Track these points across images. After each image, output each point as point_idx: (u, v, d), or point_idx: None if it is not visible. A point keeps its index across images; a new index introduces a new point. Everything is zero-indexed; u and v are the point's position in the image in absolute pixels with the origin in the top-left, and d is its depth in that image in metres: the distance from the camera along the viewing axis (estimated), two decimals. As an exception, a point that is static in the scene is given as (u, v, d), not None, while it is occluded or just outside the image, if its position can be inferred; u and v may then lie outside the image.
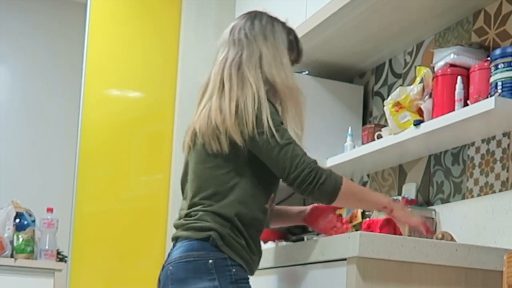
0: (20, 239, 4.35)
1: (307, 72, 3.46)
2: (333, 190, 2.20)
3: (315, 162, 2.21)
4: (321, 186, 2.18)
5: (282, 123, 2.25)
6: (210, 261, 2.17)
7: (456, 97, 2.59)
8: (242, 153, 2.25)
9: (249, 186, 2.25)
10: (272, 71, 2.31)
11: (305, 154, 2.21)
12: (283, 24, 2.43)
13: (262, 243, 3.12)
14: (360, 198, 2.30)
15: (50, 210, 4.47)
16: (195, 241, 2.21)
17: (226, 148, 2.23)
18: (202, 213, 2.24)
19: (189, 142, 2.35)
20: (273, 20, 2.41)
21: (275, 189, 2.33)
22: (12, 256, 4.33)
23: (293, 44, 2.43)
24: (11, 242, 4.35)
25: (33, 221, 4.46)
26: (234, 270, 2.18)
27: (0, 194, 4.83)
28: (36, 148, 5.18)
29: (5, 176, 5.07)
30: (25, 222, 4.42)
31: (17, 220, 4.40)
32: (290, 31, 2.44)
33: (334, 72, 3.54)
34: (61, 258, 4.47)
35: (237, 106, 2.23)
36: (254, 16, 2.41)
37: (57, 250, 4.46)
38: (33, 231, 4.42)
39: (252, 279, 2.61)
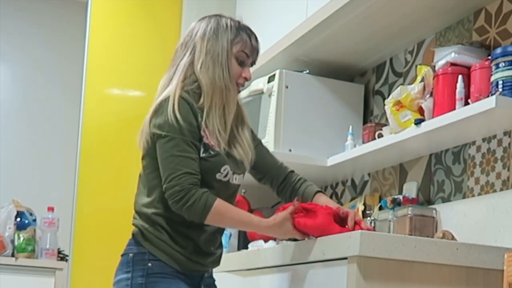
0: (21, 238, 4.36)
1: (307, 71, 3.45)
2: (201, 213, 2.22)
3: (193, 184, 2.22)
4: (189, 207, 2.21)
5: (191, 133, 2.26)
6: (130, 255, 2.32)
7: (457, 96, 2.58)
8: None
9: None
10: (202, 70, 2.32)
11: (188, 173, 2.23)
12: (234, 22, 2.39)
13: (262, 242, 3.14)
14: (234, 221, 2.31)
15: (51, 209, 4.48)
16: (130, 238, 2.37)
17: (146, 148, 2.33)
18: (134, 213, 2.39)
19: None
20: (221, 19, 2.39)
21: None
22: (13, 255, 4.34)
23: (244, 41, 2.37)
24: (12, 241, 4.35)
25: (34, 220, 4.46)
26: (150, 264, 2.28)
27: (1, 193, 4.83)
28: (36, 147, 5.18)
29: (6, 175, 5.07)
30: (26, 221, 4.43)
31: (18, 219, 4.41)
32: (241, 29, 2.38)
33: (335, 71, 3.54)
34: (62, 257, 4.48)
35: (154, 108, 2.31)
36: (203, 18, 2.42)
37: (58, 249, 4.47)
38: (34, 230, 4.43)
39: (252, 278, 2.61)
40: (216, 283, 2.50)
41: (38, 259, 4.38)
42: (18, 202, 4.50)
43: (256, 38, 2.42)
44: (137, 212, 2.38)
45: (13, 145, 5.15)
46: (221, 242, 2.45)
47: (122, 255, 2.36)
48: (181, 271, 2.31)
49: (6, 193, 4.76)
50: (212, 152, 2.30)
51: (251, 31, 2.41)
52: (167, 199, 2.24)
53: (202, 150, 2.29)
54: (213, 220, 2.25)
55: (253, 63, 2.44)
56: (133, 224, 2.37)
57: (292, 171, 2.55)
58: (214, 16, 2.42)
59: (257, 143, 2.53)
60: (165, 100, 2.28)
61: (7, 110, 5.20)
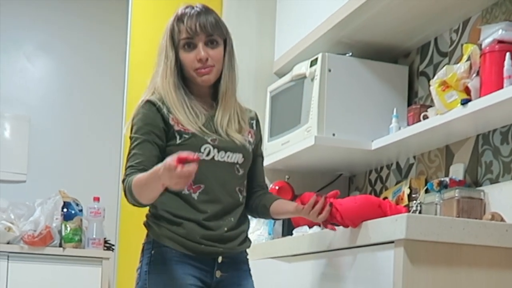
0: (68, 229, 4.40)
1: (350, 53, 3.41)
2: (129, 192, 2.23)
3: (127, 175, 2.26)
4: (126, 196, 2.26)
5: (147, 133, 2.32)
6: (142, 244, 2.41)
7: (505, 74, 2.52)
8: None
9: None
10: (160, 78, 2.40)
11: (131, 166, 2.27)
12: (173, 18, 2.41)
13: (307, 228, 3.11)
14: (146, 183, 2.16)
15: (96, 199, 4.51)
16: None
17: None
18: None
19: None
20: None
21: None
22: (60, 245, 4.39)
23: (177, 31, 2.38)
24: (59, 232, 4.40)
25: (80, 210, 4.50)
26: (153, 252, 2.33)
27: (48, 184, 4.87)
28: (82, 138, 5.22)
29: (52, 166, 5.12)
30: (73, 212, 4.47)
31: (65, 210, 4.45)
32: (175, 21, 2.40)
33: (378, 53, 3.48)
34: (108, 246, 4.51)
35: None
36: None
37: (104, 238, 4.50)
38: (81, 220, 4.47)
39: (298, 264, 2.58)
40: (253, 271, 2.44)
41: (85, 249, 4.43)
42: (65, 193, 4.54)
43: (192, 14, 2.36)
44: None
45: (58, 137, 5.19)
46: (239, 223, 2.37)
47: None
48: (189, 255, 2.30)
49: (53, 184, 4.80)
50: (186, 136, 2.30)
51: (184, 13, 2.38)
52: None
53: (177, 137, 2.30)
54: (136, 190, 2.19)
55: (209, 36, 2.35)
56: None
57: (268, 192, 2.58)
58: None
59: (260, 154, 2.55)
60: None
61: (52, 101, 5.24)
